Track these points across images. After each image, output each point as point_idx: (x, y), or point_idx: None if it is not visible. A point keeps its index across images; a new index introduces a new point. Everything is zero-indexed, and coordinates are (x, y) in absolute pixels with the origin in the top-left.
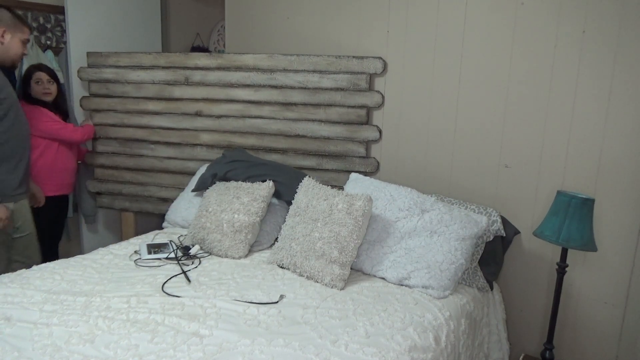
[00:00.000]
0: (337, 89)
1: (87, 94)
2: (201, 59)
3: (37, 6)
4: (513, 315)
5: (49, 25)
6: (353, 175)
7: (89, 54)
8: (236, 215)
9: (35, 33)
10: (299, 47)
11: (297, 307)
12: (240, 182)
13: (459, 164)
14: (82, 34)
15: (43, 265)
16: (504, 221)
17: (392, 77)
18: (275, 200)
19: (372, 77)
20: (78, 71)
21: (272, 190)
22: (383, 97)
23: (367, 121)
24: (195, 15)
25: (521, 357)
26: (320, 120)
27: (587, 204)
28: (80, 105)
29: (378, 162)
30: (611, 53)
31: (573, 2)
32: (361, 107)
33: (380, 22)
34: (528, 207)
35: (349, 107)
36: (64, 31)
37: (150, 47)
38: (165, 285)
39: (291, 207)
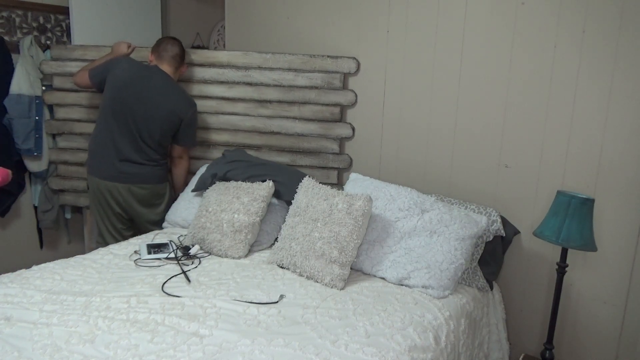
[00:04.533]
0: (311, 87)
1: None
2: None
3: (37, 6)
4: (513, 315)
5: (49, 25)
6: (353, 175)
7: (52, 47)
8: (236, 215)
9: (35, 33)
10: (298, 47)
11: (297, 307)
12: (240, 182)
13: (459, 164)
14: (85, 35)
15: (43, 265)
16: (504, 221)
17: (392, 77)
18: (275, 200)
19: (346, 76)
20: (40, 64)
21: (272, 190)
22: (356, 95)
23: (341, 119)
24: (195, 15)
25: (521, 357)
26: (295, 118)
27: (587, 204)
28: (43, 99)
29: (351, 159)
30: (611, 53)
31: (573, 2)
32: (335, 105)
33: (380, 22)
34: (528, 207)
35: (323, 105)
36: (64, 31)
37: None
38: (165, 285)
39: (291, 207)
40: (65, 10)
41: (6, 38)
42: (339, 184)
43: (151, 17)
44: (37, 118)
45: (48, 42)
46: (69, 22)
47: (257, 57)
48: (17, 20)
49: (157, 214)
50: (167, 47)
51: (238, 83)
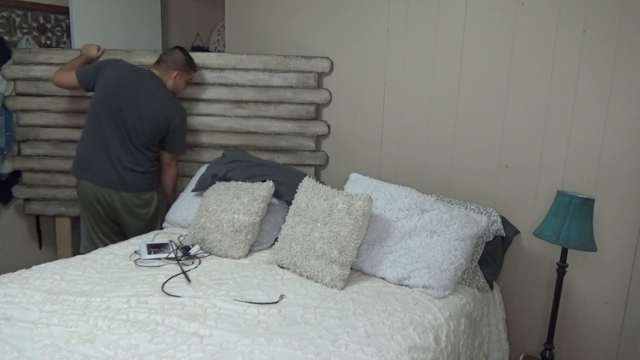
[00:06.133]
0: (287, 87)
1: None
2: (146, 57)
3: (37, 6)
4: (513, 315)
5: (49, 25)
6: (353, 175)
7: (14, 50)
8: (236, 215)
9: (35, 33)
10: (299, 48)
11: (297, 307)
12: (240, 182)
13: (459, 164)
14: (85, 35)
15: (43, 265)
16: (504, 221)
17: (392, 77)
18: (275, 200)
19: (320, 75)
20: (1, 69)
21: (272, 190)
22: (331, 94)
23: (316, 117)
24: (195, 15)
25: (521, 357)
26: (271, 117)
27: (587, 204)
28: (3, 105)
29: (327, 156)
30: (611, 53)
31: (573, 2)
32: (310, 103)
33: (380, 22)
34: (528, 207)
35: (298, 104)
36: (64, 31)
37: (150, 47)
38: (165, 285)
39: (291, 207)
40: (65, 10)
41: (6, 38)
42: (317, 180)
43: (151, 17)
44: (7, 116)
45: (48, 42)
46: (69, 22)
47: (232, 58)
48: (17, 20)
49: (145, 222)
50: (164, 53)
51: (213, 84)
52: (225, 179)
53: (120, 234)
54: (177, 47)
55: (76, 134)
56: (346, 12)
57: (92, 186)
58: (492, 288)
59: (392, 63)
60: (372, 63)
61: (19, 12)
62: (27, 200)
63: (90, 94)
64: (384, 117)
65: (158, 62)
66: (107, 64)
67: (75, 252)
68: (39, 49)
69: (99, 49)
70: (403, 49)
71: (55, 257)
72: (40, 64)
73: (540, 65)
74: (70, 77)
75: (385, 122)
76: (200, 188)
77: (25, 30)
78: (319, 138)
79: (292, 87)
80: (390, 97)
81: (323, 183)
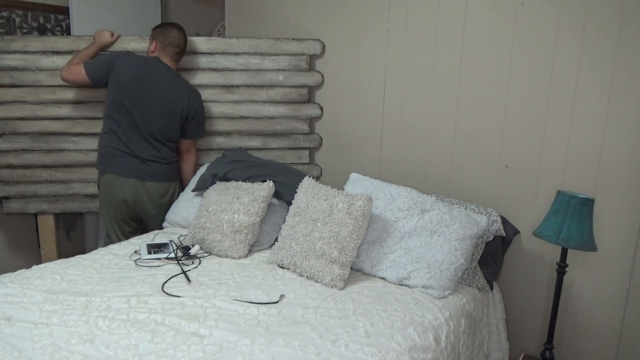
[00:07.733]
0: (278, 70)
1: None
2: (131, 43)
3: (37, 6)
4: (513, 315)
5: (49, 25)
6: (353, 175)
7: None
8: (236, 216)
9: (35, 33)
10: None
11: (297, 307)
12: (240, 182)
13: (459, 164)
14: (84, 34)
15: (43, 265)
16: (504, 221)
17: (392, 77)
18: (275, 200)
19: (311, 58)
20: None
21: (272, 191)
22: (323, 76)
23: (309, 99)
24: (195, 15)
25: (521, 357)
26: (264, 101)
27: (587, 204)
28: None
29: (321, 138)
30: (611, 53)
31: (573, 2)
32: (302, 86)
33: (380, 21)
34: (528, 207)
35: (291, 87)
36: (64, 31)
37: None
38: (165, 285)
39: (291, 207)
40: (65, 10)
41: None
42: (311, 163)
43: (151, 17)
44: None
45: None
46: (69, 22)
47: (221, 42)
48: (17, 20)
49: (163, 212)
50: (174, 41)
51: (203, 69)
52: (226, 179)
53: (140, 232)
54: (170, 27)
55: (57, 126)
56: (347, 11)
57: (117, 178)
58: (492, 288)
59: (392, 63)
60: (372, 63)
61: (19, 12)
62: (6, 198)
63: (68, 85)
64: (383, 117)
65: (164, 51)
66: (117, 58)
67: (61, 251)
68: (13, 36)
69: (112, 35)
70: (403, 48)
71: (48, 258)
72: (15, 52)
73: (540, 65)
74: (80, 73)
75: (385, 122)
76: (201, 188)
77: (25, 30)
78: (312, 121)
79: (284, 70)
80: (390, 96)
81: (320, 168)
